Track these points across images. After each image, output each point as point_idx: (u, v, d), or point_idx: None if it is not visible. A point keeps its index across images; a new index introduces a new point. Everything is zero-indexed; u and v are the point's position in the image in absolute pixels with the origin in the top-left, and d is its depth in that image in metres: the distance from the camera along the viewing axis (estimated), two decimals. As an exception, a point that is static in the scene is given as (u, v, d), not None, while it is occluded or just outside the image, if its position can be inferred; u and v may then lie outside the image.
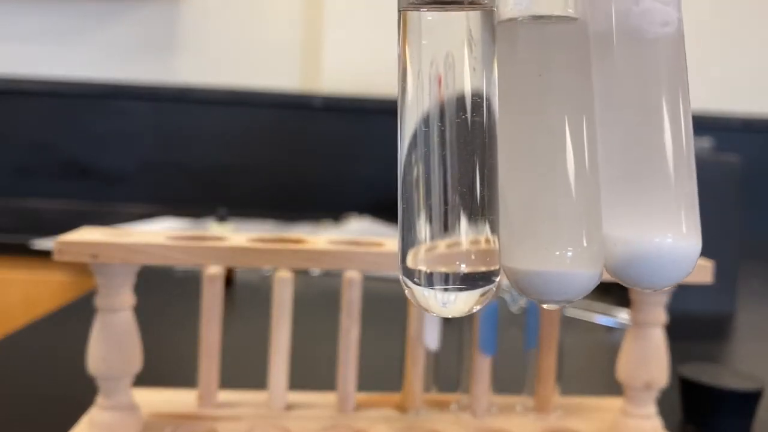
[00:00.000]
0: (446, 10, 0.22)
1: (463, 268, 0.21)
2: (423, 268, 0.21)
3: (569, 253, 0.21)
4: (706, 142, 0.91)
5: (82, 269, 1.14)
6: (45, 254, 1.13)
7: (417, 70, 0.22)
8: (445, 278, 0.21)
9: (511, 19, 0.22)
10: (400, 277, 0.22)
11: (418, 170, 0.22)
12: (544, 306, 0.22)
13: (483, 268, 0.21)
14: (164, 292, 0.84)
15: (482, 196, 0.21)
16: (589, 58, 0.22)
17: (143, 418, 0.43)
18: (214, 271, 0.45)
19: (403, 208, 0.22)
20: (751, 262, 1.07)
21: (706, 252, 0.47)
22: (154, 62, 1.70)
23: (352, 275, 0.45)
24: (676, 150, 0.22)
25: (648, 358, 0.43)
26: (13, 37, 1.67)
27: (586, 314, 0.80)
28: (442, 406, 0.47)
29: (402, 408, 0.46)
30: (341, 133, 1.69)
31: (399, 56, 0.22)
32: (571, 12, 0.22)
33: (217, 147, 1.69)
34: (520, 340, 0.48)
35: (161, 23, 1.69)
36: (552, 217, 0.21)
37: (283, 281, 0.45)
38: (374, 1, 1.69)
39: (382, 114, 1.68)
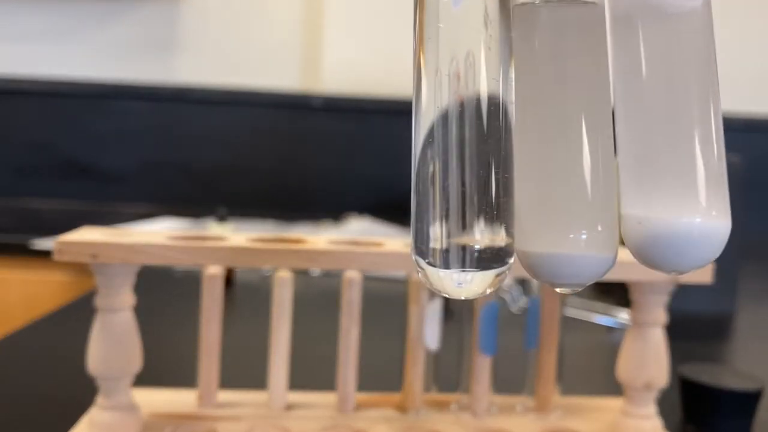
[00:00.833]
0: None
1: (478, 247, 0.21)
2: (438, 247, 0.21)
3: (583, 236, 0.21)
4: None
5: (82, 269, 1.14)
6: (45, 254, 1.13)
7: (434, 60, 0.22)
8: (462, 258, 0.21)
9: (527, 3, 0.22)
10: (413, 257, 0.22)
11: (433, 164, 0.22)
12: (557, 290, 0.22)
13: (497, 247, 0.21)
14: (164, 292, 0.84)
15: (497, 194, 0.22)
16: (605, 42, 0.22)
17: (143, 418, 0.43)
18: (214, 271, 0.45)
19: (416, 199, 0.22)
20: (752, 263, 1.07)
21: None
22: (154, 62, 1.70)
23: (352, 275, 0.45)
24: (703, 128, 0.21)
25: (648, 358, 0.43)
26: (14, 37, 1.67)
27: (586, 314, 0.80)
28: (442, 406, 0.47)
29: (402, 408, 0.46)
30: (341, 133, 1.69)
31: (414, 47, 0.22)
32: None
33: (217, 147, 1.69)
34: (520, 340, 0.47)
35: (161, 23, 1.69)
36: (566, 200, 0.21)
37: (283, 281, 0.45)
38: (374, 2, 1.70)
39: (381, 114, 1.68)
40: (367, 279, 0.48)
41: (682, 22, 0.21)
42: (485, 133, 0.22)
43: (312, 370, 0.55)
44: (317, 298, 0.85)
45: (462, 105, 0.21)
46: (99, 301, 0.40)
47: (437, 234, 0.21)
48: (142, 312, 0.43)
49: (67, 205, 1.62)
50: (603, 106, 0.22)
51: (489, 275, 0.22)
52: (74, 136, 1.67)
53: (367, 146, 1.69)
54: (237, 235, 0.44)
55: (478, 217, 0.21)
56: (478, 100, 0.22)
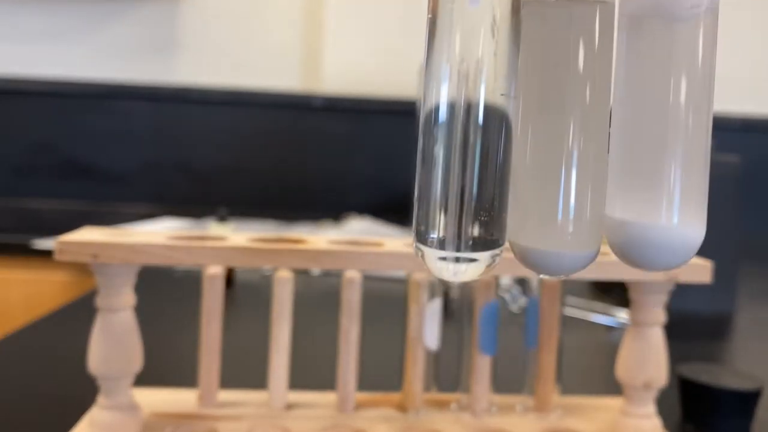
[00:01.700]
0: None
1: (473, 234, 0.23)
2: (437, 233, 0.23)
3: (568, 233, 0.22)
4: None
5: (82, 269, 1.14)
6: (46, 254, 1.13)
7: (443, 56, 0.22)
8: (457, 243, 0.23)
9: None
10: (413, 242, 0.24)
11: (437, 157, 0.23)
12: (541, 276, 0.24)
13: (490, 237, 0.23)
14: (164, 292, 0.84)
15: (495, 187, 0.23)
16: (612, 42, 0.23)
17: (144, 418, 0.43)
18: (215, 271, 0.45)
19: (419, 186, 0.23)
20: (751, 262, 1.07)
21: (705, 252, 0.47)
22: (155, 62, 1.70)
23: (352, 275, 0.45)
24: (691, 137, 0.22)
25: (647, 357, 0.43)
26: (15, 38, 1.67)
27: (586, 314, 0.80)
28: (442, 405, 0.47)
29: (402, 408, 0.46)
30: (341, 133, 1.69)
31: (426, 40, 0.23)
32: None
33: (218, 147, 1.69)
34: (520, 340, 0.48)
35: (161, 23, 1.69)
36: (554, 198, 0.22)
37: (283, 281, 0.45)
38: (374, 3, 1.70)
39: (382, 114, 1.68)
40: (367, 279, 0.48)
41: (686, 29, 0.22)
42: (487, 129, 0.22)
43: (312, 370, 0.55)
44: (317, 297, 0.85)
45: (468, 104, 0.22)
46: (99, 301, 0.41)
47: (437, 220, 0.23)
48: (142, 312, 0.43)
49: (68, 206, 1.62)
50: (601, 109, 0.22)
51: (483, 260, 0.23)
52: (75, 137, 1.67)
53: (367, 146, 1.69)
54: (237, 235, 0.44)
55: (475, 205, 0.23)
56: (483, 101, 0.22)
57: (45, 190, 1.67)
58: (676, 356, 0.49)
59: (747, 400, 0.48)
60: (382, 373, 0.50)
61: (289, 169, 1.70)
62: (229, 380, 0.47)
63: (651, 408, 0.45)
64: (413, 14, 1.68)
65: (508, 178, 0.23)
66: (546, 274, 0.23)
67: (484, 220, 0.23)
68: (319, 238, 0.44)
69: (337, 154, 1.70)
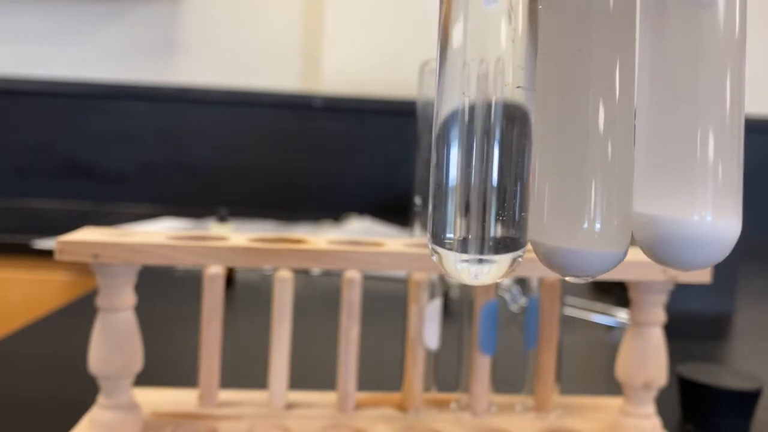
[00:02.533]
0: None
1: (494, 236, 0.22)
2: (455, 235, 0.22)
3: (595, 232, 0.21)
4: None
5: (83, 269, 1.14)
6: (47, 254, 1.13)
7: (458, 47, 0.22)
8: (479, 246, 0.22)
9: None
10: (429, 245, 0.23)
11: (453, 157, 0.22)
12: (567, 278, 0.22)
13: (512, 237, 0.22)
14: (165, 292, 0.84)
15: (516, 187, 0.22)
16: (634, 31, 0.22)
17: (144, 418, 0.43)
18: (215, 270, 0.45)
19: (435, 188, 0.22)
20: (751, 263, 1.07)
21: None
22: (155, 63, 1.70)
23: (353, 275, 0.45)
24: (722, 127, 0.21)
25: (647, 357, 0.43)
26: (16, 38, 1.67)
27: (586, 314, 0.80)
28: (441, 405, 0.47)
29: (402, 407, 0.47)
30: (341, 133, 1.70)
31: (439, 40, 0.22)
32: None
33: (218, 148, 1.69)
34: (519, 340, 0.48)
35: (162, 24, 1.70)
36: (580, 196, 0.21)
37: (283, 281, 0.45)
38: (374, 3, 1.70)
39: (382, 114, 1.68)
40: (367, 278, 0.48)
41: (714, 12, 0.21)
42: (506, 127, 0.22)
43: (312, 370, 0.55)
44: (317, 297, 0.85)
45: (486, 103, 0.22)
46: (100, 301, 0.41)
47: (455, 222, 0.22)
48: (142, 311, 0.43)
49: (69, 206, 1.62)
50: (624, 101, 0.21)
51: (504, 262, 0.22)
52: (76, 137, 1.67)
53: (367, 147, 1.69)
54: (237, 235, 0.44)
55: (496, 207, 0.22)
56: (502, 101, 0.22)
57: (46, 191, 1.67)
58: (675, 356, 0.50)
59: (746, 400, 0.49)
60: (382, 373, 0.50)
61: (289, 170, 1.70)
62: (229, 380, 0.47)
63: (651, 408, 0.45)
64: (413, 14, 1.69)
65: (529, 175, 0.22)
66: (573, 274, 0.22)
67: (506, 220, 0.22)
68: (319, 238, 0.44)
69: (337, 154, 1.70)
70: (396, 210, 1.48)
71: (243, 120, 1.69)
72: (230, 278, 0.88)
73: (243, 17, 1.71)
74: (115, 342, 0.41)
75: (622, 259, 0.22)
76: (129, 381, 0.42)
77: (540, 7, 0.22)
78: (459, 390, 0.48)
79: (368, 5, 1.69)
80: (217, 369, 0.45)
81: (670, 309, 0.44)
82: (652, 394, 0.44)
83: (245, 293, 0.86)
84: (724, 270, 0.78)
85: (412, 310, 0.46)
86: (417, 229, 0.47)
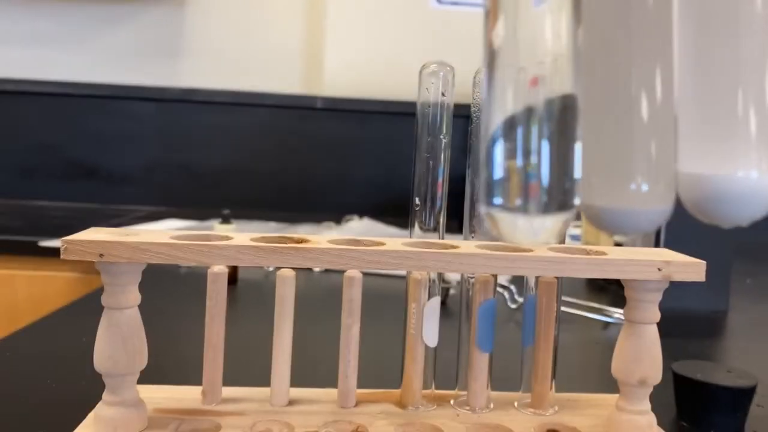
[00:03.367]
0: None
1: (546, 199, 0.22)
2: (511, 198, 0.23)
3: (642, 190, 0.22)
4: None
5: (88, 268, 1.15)
6: (52, 253, 1.14)
7: (510, 51, 0.22)
8: (535, 206, 0.22)
9: None
10: (483, 210, 0.23)
11: (509, 135, 0.22)
12: (615, 237, 0.23)
13: (562, 199, 0.23)
14: (169, 290, 0.85)
15: (566, 158, 0.22)
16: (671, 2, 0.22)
17: (148, 414, 0.44)
18: (218, 269, 0.45)
19: (487, 155, 0.23)
20: (744, 261, 1.07)
21: (698, 252, 0.48)
22: (159, 65, 1.71)
23: (353, 273, 0.45)
24: (760, 86, 0.21)
25: (642, 355, 0.44)
26: (22, 41, 1.68)
27: (582, 312, 0.81)
28: (440, 401, 0.48)
29: (401, 404, 0.47)
30: (343, 134, 1.70)
31: (487, 15, 0.23)
32: None
33: (221, 149, 1.70)
34: (517, 337, 0.48)
35: (166, 27, 1.70)
36: (626, 156, 0.22)
37: (285, 279, 0.45)
38: (375, 5, 1.70)
39: (382, 116, 1.69)
40: (367, 276, 0.49)
41: None
42: (560, 114, 0.22)
43: (314, 367, 0.56)
44: (319, 295, 0.86)
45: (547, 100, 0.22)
46: (105, 300, 0.41)
47: (509, 187, 0.23)
48: (147, 309, 0.44)
49: (74, 207, 1.63)
50: (664, 66, 0.22)
51: (557, 222, 0.23)
52: (81, 139, 1.68)
53: (369, 148, 1.70)
54: (240, 235, 0.45)
55: (549, 172, 0.22)
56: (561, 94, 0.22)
57: (52, 192, 1.68)
58: (670, 354, 0.50)
59: (741, 397, 0.49)
60: (382, 370, 0.51)
61: (291, 171, 1.70)
62: (232, 377, 0.48)
63: (646, 404, 0.45)
64: (413, 17, 1.69)
65: (576, 137, 0.23)
66: (621, 233, 0.23)
67: (557, 184, 0.22)
68: (321, 238, 0.45)
69: (338, 156, 1.70)
70: (396, 210, 1.48)
71: (246, 122, 1.70)
72: (233, 276, 0.89)
73: (246, 21, 1.72)
74: (120, 339, 0.41)
75: (669, 215, 0.22)
76: (134, 378, 0.42)
77: None
78: (457, 387, 0.49)
79: (369, 8, 1.70)
80: (220, 366, 0.46)
81: (665, 307, 0.44)
82: (648, 391, 0.45)
83: (248, 291, 0.87)
84: (718, 268, 0.79)
85: (412, 307, 0.46)
86: (416, 229, 0.47)
